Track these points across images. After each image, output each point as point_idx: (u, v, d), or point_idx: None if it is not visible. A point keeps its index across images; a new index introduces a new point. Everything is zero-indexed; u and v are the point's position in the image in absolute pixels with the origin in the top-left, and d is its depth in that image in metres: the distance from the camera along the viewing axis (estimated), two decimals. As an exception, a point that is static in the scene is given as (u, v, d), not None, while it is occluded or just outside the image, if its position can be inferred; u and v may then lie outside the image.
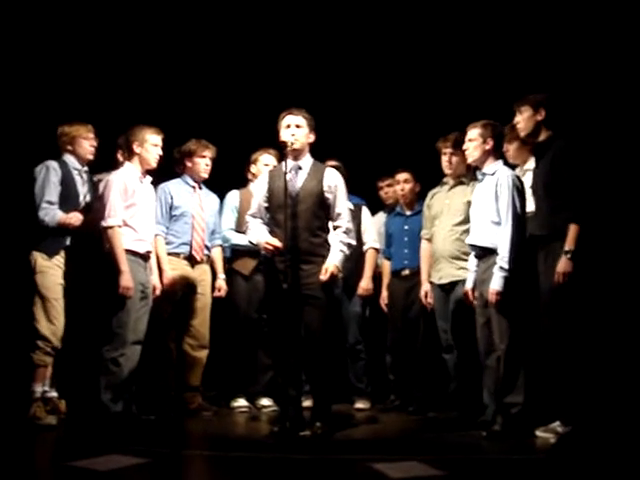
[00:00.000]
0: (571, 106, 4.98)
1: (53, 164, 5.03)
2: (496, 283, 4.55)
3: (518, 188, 4.64)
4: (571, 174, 4.42)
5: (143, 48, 6.49)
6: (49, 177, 4.98)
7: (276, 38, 6.69)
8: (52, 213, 4.95)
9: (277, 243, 4.62)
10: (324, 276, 4.61)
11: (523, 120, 4.65)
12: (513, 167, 4.96)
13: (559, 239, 4.41)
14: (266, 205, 4.81)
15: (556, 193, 4.46)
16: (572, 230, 4.37)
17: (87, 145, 5.13)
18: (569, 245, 4.36)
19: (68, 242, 5.03)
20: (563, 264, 4.37)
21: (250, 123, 6.38)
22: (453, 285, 5.20)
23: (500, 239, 4.58)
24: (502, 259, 4.55)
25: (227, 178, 6.02)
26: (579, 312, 4.40)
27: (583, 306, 4.43)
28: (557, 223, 4.43)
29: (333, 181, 4.76)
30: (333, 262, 4.66)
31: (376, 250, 6.01)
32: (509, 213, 4.57)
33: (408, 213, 5.86)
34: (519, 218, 4.59)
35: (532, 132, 4.65)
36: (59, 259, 4.99)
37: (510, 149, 5.00)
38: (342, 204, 4.78)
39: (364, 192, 6.22)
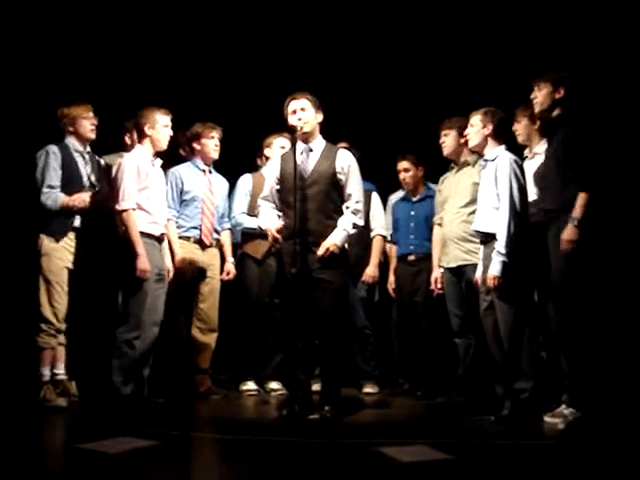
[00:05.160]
0: (587, 86, 4.94)
1: (53, 148, 5.07)
2: (494, 268, 4.54)
3: (517, 173, 4.62)
4: (582, 146, 4.40)
5: (150, 31, 6.43)
6: (49, 162, 5.03)
7: (286, 21, 6.64)
8: (54, 197, 4.98)
9: (277, 235, 4.63)
10: (321, 252, 4.59)
11: (541, 96, 4.63)
12: (519, 152, 4.94)
13: (570, 212, 4.38)
14: (277, 188, 4.79)
15: (567, 167, 4.43)
16: (581, 199, 4.34)
17: (88, 124, 5.18)
18: (576, 213, 4.34)
19: (77, 223, 5.05)
20: (569, 232, 4.35)
21: (260, 107, 6.34)
22: (463, 269, 5.17)
23: (498, 224, 4.58)
24: (500, 244, 4.53)
25: (238, 163, 6.00)
26: (591, 290, 4.37)
27: (594, 284, 4.40)
28: (568, 196, 4.40)
29: (346, 162, 4.73)
30: (333, 240, 4.62)
31: (383, 237, 5.99)
32: (507, 198, 4.55)
33: (414, 199, 5.84)
34: (517, 203, 4.57)
35: (547, 109, 4.63)
36: (67, 242, 5.01)
37: (519, 128, 4.99)
38: (354, 185, 4.74)
39: (376, 176, 6.19)
